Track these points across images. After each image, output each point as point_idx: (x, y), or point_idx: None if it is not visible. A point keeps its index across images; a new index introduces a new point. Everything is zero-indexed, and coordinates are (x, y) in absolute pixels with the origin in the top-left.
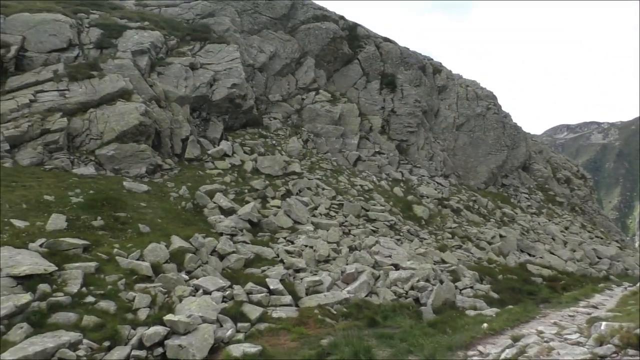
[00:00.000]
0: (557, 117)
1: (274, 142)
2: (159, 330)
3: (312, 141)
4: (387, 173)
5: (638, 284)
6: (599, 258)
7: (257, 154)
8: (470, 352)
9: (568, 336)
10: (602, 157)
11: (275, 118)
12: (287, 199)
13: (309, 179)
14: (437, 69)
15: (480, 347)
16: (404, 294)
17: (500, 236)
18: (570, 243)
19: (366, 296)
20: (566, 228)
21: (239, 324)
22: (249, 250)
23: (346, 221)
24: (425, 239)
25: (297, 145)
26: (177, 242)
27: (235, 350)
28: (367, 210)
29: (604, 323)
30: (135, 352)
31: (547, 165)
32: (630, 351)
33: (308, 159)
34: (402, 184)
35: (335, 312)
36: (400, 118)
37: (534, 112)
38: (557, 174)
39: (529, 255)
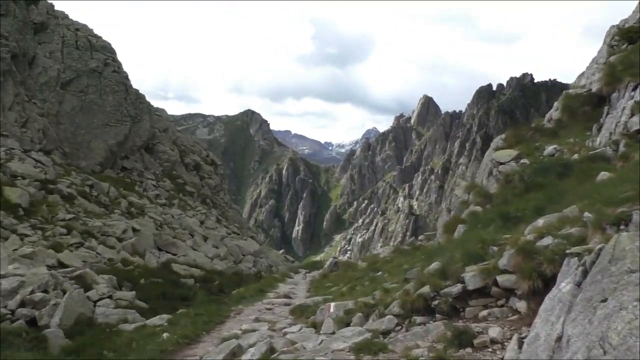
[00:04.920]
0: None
1: None
2: None
3: None
4: None
5: (325, 266)
6: (243, 255)
7: None
8: None
9: (288, 329)
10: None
11: None
12: None
13: None
14: None
15: None
16: (10, 315)
17: (134, 230)
18: (211, 238)
19: None
20: (202, 222)
21: None
22: None
23: None
24: (28, 235)
25: None
26: None
27: None
28: None
29: (333, 304)
30: None
31: (174, 147)
32: (418, 318)
33: None
34: None
35: None
36: None
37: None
38: (186, 158)
39: (171, 254)
